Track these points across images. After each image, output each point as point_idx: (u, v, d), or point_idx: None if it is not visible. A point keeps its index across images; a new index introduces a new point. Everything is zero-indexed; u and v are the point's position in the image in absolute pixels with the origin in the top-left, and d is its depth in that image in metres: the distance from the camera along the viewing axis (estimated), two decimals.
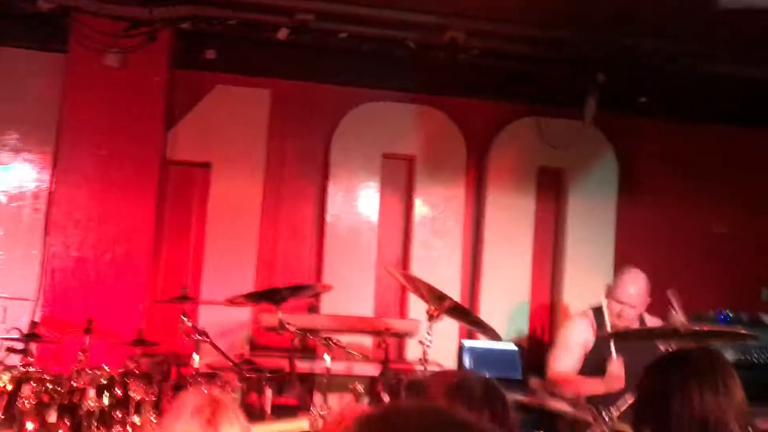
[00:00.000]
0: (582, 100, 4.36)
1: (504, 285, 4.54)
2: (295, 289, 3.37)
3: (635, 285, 3.49)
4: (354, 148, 4.47)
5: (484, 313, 4.51)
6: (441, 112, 4.59)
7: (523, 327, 4.57)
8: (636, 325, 3.46)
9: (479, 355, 4.36)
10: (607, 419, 2.36)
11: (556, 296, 4.66)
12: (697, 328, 2.69)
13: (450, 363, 4.36)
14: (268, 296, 3.28)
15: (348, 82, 4.50)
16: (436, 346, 4.14)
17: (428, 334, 2.98)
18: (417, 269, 4.45)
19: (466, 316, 3.20)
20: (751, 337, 3.23)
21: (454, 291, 4.47)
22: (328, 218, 4.45)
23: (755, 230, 4.89)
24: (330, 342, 3.01)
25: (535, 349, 4.47)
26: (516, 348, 4.40)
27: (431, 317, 2.97)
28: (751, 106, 4.52)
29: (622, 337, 3.07)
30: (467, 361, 4.33)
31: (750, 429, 1.57)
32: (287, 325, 3.10)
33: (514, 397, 3.40)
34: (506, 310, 4.55)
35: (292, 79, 4.48)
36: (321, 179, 4.51)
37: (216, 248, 4.28)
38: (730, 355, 4.16)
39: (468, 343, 4.38)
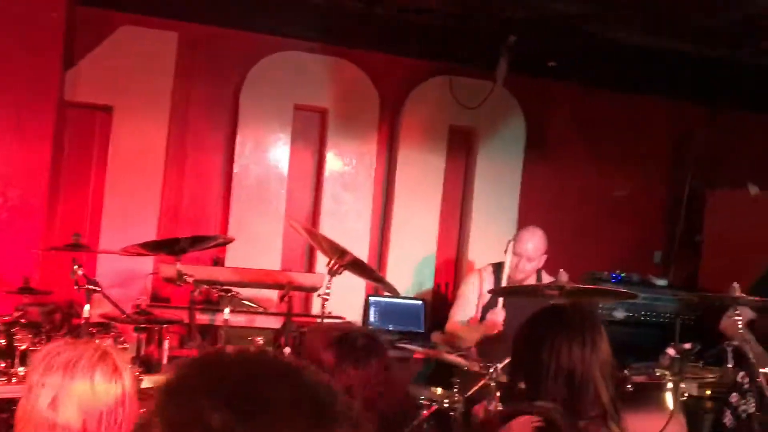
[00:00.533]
0: (494, 61, 4.40)
1: (412, 240, 4.60)
2: (196, 240, 3.30)
3: (532, 240, 3.65)
4: (265, 98, 4.37)
5: (392, 268, 4.58)
6: (355, 65, 4.54)
7: (430, 281, 4.66)
8: (533, 280, 3.60)
9: (384, 309, 4.42)
10: (492, 371, 2.45)
11: (461, 252, 4.76)
12: (580, 287, 2.80)
13: (356, 317, 4.41)
14: (166, 246, 3.21)
15: (260, 29, 4.37)
16: (343, 300, 4.21)
17: (328, 288, 2.99)
18: (326, 223, 4.45)
19: (367, 271, 3.22)
20: (632, 296, 3.39)
21: (363, 245, 4.52)
22: (236, 169, 4.37)
23: (652, 196, 5.12)
24: (228, 294, 2.98)
25: (440, 304, 4.58)
26: (420, 302, 4.50)
27: (331, 271, 2.98)
28: (653, 75, 4.68)
29: (511, 291, 3.16)
30: (372, 315, 4.39)
31: (613, 381, 1.65)
32: (185, 277, 3.04)
33: (410, 348, 3.53)
34: (413, 264, 4.63)
35: (201, 22, 4.31)
36: (229, 128, 4.40)
37: (116, 196, 4.14)
38: (619, 314, 4.40)
39: (374, 298, 4.44)
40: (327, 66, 4.47)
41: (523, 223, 4.44)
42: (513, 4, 3.65)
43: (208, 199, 4.43)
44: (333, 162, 4.49)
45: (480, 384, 2.57)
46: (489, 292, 3.34)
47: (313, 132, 4.59)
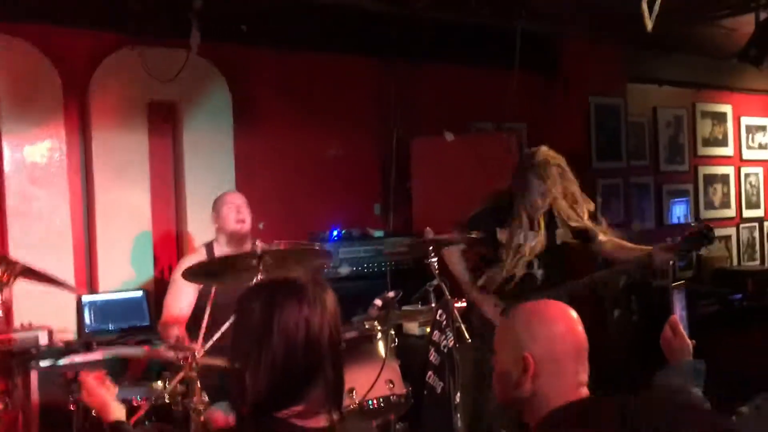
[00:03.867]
0: (186, 30, 4.18)
1: (123, 227, 4.26)
2: None
3: (234, 192, 3.75)
4: None
5: (106, 258, 4.22)
6: (28, 42, 4.03)
7: (149, 269, 4.38)
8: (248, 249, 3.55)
9: (101, 308, 4.08)
10: (190, 360, 2.34)
11: (181, 231, 4.54)
12: (275, 249, 2.77)
13: (70, 321, 4.02)
14: None
15: None
16: (52, 305, 3.80)
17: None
18: (17, 225, 3.95)
19: (42, 276, 2.88)
20: (327, 253, 3.46)
21: (65, 241, 4.10)
22: None
23: (365, 151, 5.30)
24: None
25: (165, 289, 4.33)
26: (141, 293, 4.22)
27: (1, 284, 2.62)
28: (347, 34, 4.80)
29: (209, 265, 3.02)
30: (88, 317, 4.03)
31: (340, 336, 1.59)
32: None
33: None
34: (129, 253, 4.30)
35: None
36: None
37: None
38: (344, 270, 4.53)
39: (87, 297, 4.07)
40: None
41: (241, 192, 4.32)
42: None
43: None
44: (13, 155, 3.97)
45: (180, 376, 2.44)
46: (182, 275, 3.14)
47: None
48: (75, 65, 4.18)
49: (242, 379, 1.52)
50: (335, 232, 4.58)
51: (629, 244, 3.70)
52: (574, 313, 1.70)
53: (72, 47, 4.19)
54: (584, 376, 1.66)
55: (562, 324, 1.66)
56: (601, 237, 3.66)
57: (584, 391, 1.65)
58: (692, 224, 3.35)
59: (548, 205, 3.56)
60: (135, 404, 2.70)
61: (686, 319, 2.22)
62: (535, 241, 3.53)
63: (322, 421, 1.53)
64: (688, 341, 2.07)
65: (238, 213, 3.66)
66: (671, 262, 3.25)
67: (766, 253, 7.62)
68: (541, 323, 1.65)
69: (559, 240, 3.62)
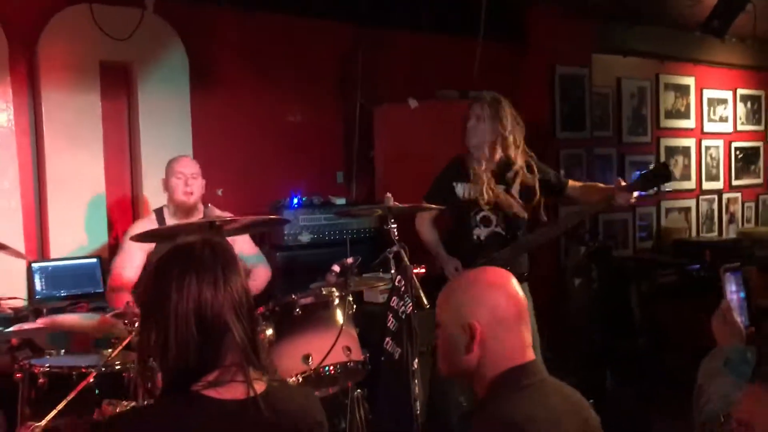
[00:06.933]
0: None
1: (75, 192, 4.12)
2: None
3: (186, 158, 3.68)
4: None
5: (58, 223, 4.09)
6: None
7: (104, 234, 4.25)
8: (199, 217, 3.47)
9: (53, 274, 3.96)
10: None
11: (136, 195, 4.41)
12: (224, 219, 2.69)
13: (18, 289, 3.90)
14: None
15: None
16: (0, 271, 3.68)
17: None
18: None
19: None
20: (284, 221, 3.40)
21: (14, 206, 3.96)
22: None
23: (327, 118, 5.20)
24: None
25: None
26: (95, 259, 4.10)
27: None
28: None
29: (154, 235, 2.93)
30: (39, 284, 3.90)
31: (251, 321, 1.54)
32: None
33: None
34: (82, 218, 4.17)
35: None
36: None
37: None
38: (305, 237, 4.46)
39: (37, 264, 3.94)
40: None
41: (198, 157, 4.21)
42: None
43: None
44: None
45: (126, 341, 2.37)
46: (131, 238, 3.07)
47: None
48: (22, 22, 3.99)
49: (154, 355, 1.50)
50: (296, 200, 4.49)
51: (597, 184, 3.73)
52: (510, 276, 1.72)
53: (18, 2, 4.00)
54: (528, 337, 1.67)
55: (503, 288, 1.67)
56: (571, 183, 3.68)
57: (530, 354, 1.66)
58: (650, 165, 3.40)
59: (500, 157, 3.52)
60: (84, 371, 2.62)
61: (743, 302, 2.04)
62: (490, 193, 3.49)
63: (240, 391, 1.47)
64: (741, 327, 1.93)
65: (186, 185, 3.57)
66: (632, 201, 3.31)
67: (723, 224, 7.75)
68: (481, 290, 1.66)
69: (517, 190, 3.55)
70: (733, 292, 2.05)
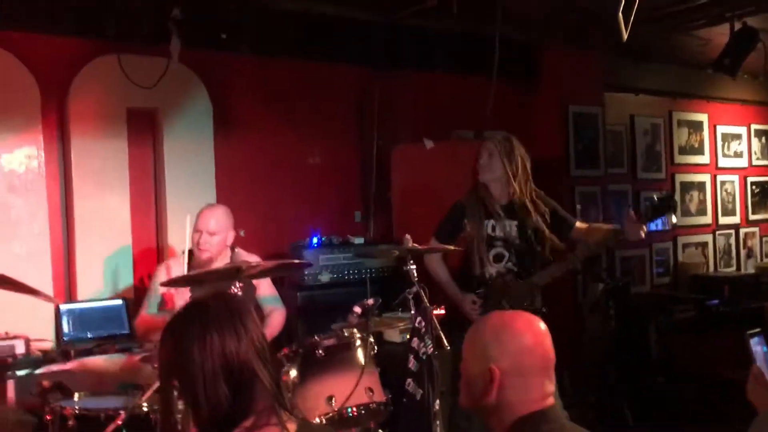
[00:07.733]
0: (165, 36, 4.19)
1: (102, 235, 4.24)
2: None
3: (213, 214, 3.69)
4: None
5: (85, 266, 4.20)
6: (6, 50, 4.01)
7: (129, 276, 4.36)
8: (226, 261, 3.55)
9: (80, 316, 4.04)
10: None
11: (161, 238, 4.52)
12: (254, 265, 2.78)
13: (48, 330, 3.99)
14: None
15: None
16: (29, 314, 3.77)
17: None
18: None
19: (18, 285, 2.86)
20: (307, 265, 3.47)
21: (44, 248, 4.08)
22: None
23: (345, 159, 5.32)
24: None
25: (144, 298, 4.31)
26: (121, 302, 4.19)
27: None
28: (325, 41, 4.83)
29: (186, 280, 3.02)
30: (66, 326, 3.99)
31: (274, 364, 1.60)
32: None
33: None
34: (108, 261, 4.28)
35: None
36: None
37: None
38: (324, 277, 4.53)
39: (65, 306, 4.04)
40: None
41: (222, 201, 4.34)
42: None
43: None
44: None
45: (156, 385, 2.44)
46: (161, 284, 3.16)
47: None
48: (54, 72, 4.16)
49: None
50: (315, 240, 4.58)
51: (600, 225, 3.78)
52: (542, 325, 1.69)
53: (50, 54, 4.17)
54: (550, 387, 1.66)
55: (530, 337, 1.64)
56: (579, 224, 3.73)
57: (550, 401, 1.65)
58: (656, 196, 3.45)
59: (512, 193, 3.58)
60: (111, 413, 2.69)
61: None
62: (502, 232, 3.56)
63: None
64: None
65: (201, 242, 3.64)
66: (642, 234, 3.36)
67: (741, 259, 7.73)
68: (509, 336, 1.63)
69: (530, 229, 3.61)
70: (759, 353, 2.05)
